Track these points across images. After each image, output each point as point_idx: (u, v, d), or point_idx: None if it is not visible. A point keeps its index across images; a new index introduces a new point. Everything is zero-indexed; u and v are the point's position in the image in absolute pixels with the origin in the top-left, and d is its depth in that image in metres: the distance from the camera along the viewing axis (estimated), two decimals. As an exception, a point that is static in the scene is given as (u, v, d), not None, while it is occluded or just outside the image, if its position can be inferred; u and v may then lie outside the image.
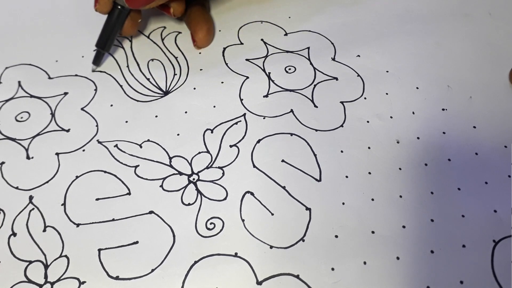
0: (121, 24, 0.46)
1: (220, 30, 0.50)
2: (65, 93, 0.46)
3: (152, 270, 0.34)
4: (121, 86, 0.46)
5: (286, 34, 0.50)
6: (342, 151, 0.40)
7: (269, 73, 0.46)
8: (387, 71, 0.45)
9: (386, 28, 0.49)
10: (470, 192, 0.37)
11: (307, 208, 0.37)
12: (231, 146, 0.41)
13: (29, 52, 0.49)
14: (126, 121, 0.43)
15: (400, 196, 0.37)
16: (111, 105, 0.45)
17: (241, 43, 0.49)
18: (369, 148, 0.40)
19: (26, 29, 0.52)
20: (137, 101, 0.45)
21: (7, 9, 0.54)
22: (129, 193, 0.39)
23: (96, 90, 0.46)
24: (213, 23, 0.51)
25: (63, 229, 0.37)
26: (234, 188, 0.38)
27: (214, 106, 0.44)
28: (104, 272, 0.34)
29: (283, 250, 0.35)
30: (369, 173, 0.39)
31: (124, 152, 0.41)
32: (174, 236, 0.36)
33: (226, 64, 0.47)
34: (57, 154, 0.41)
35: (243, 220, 0.36)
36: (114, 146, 0.42)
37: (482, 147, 0.40)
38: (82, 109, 0.44)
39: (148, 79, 0.46)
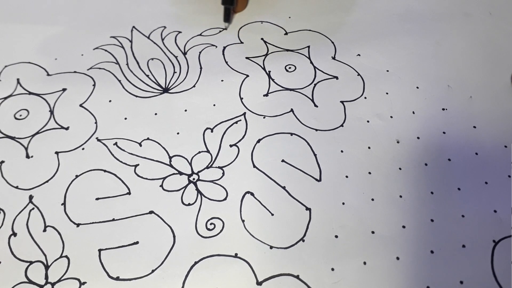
0: None
1: (220, 30, 0.50)
2: (64, 89, 0.45)
3: (153, 271, 0.34)
4: (119, 81, 0.46)
5: (286, 34, 0.49)
6: (342, 151, 0.40)
7: (269, 71, 0.46)
8: (387, 71, 0.45)
9: (386, 28, 0.49)
10: (470, 192, 0.38)
11: (307, 208, 0.37)
12: (231, 145, 0.41)
13: (28, 51, 0.49)
14: (125, 118, 0.43)
15: (400, 196, 0.37)
16: (110, 101, 0.45)
17: (241, 42, 0.49)
18: (369, 148, 0.40)
19: (26, 28, 0.52)
20: (136, 96, 0.45)
21: (7, 8, 0.54)
22: (129, 193, 0.38)
23: (94, 85, 0.46)
24: None
25: (63, 229, 0.37)
26: (234, 188, 0.38)
27: (214, 105, 0.44)
28: (104, 273, 0.34)
29: (283, 250, 0.35)
30: (369, 173, 0.39)
31: (123, 150, 0.41)
32: (174, 236, 0.36)
33: (226, 62, 0.47)
34: (57, 153, 0.41)
35: (243, 221, 0.36)
36: (114, 144, 0.41)
37: (482, 147, 0.40)
38: (80, 105, 0.44)
39: (147, 76, 0.46)
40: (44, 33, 0.51)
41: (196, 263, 0.35)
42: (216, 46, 0.49)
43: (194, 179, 0.39)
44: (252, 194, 0.38)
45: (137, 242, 0.36)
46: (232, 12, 0.51)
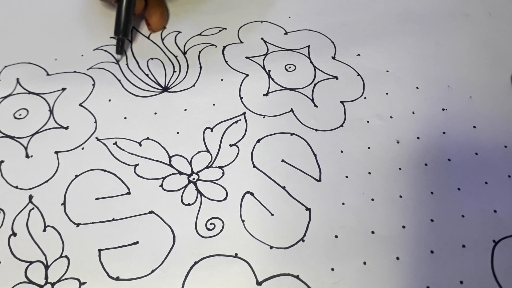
0: (133, 4, 0.47)
1: (220, 30, 0.50)
2: (63, 89, 0.45)
3: (153, 271, 0.34)
4: (119, 80, 0.46)
5: (286, 33, 0.49)
6: (342, 151, 0.40)
7: (269, 71, 0.46)
8: (387, 71, 0.45)
9: (386, 28, 0.49)
10: (470, 192, 0.38)
11: (307, 208, 0.37)
12: (231, 145, 0.41)
13: (28, 51, 0.49)
14: (125, 118, 0.43)
15: (400, 196, 0.37)
16: (109, 100, 0.44)
17: (241, 42, 0.49)
18: (369, 148, 0.40)
19: (26, 29, 0.52)
20: (136, 95, 0.45)
21: (7, 9, 0.54)
22: (129, 193, 0.38)
23: (94, 85, 0.46)
24: (166, 8, 0.52)
25: (63, 229, 0.37)
26: (234, 188, 0.38)
27: (214, 104, 0.44)
28: (104, 273, 0.34)
29: (283, 250, 0.35)
30: (369, 173, 0.39)
31: (123, 150, 0.41)
32: (174, 236, 0.36)
33: (226, 62, 0.47)
34: (56, 152, 0.41)
35: (243, 221, 0.36)
36: (113, 144, 0.41)
37: (482, 147, 0.40)
38: (80, 104, 0.44)
39: (147, 75, 0.46)
40: (44, 34, 0.51)
41: (196, 263, 0.35)
42: (216, 46, 0.49)
43: (194, 179, 0.39)
44: (252, 194, 0.38)
45: (137, 242, 0.36)
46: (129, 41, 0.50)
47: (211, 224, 0.36)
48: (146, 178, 0.39)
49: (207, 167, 0.40)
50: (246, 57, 0.47)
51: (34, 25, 0.52)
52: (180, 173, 0.39)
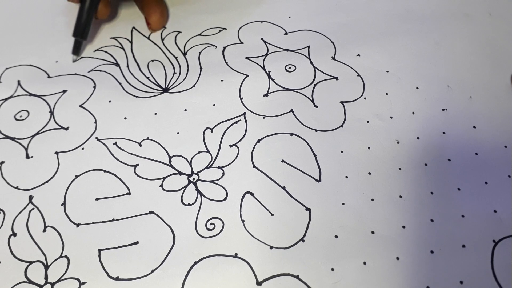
0: (94, 8, 0.47)
1: (220, 30, 0.50)
2: (64, 91, 0.45)
3: (152, 271, 0.34)
4: (120, 83, 0.46)
5: (286, 34, 0.49)
6: (342, 151, 0.40)
7: (269, 71, 0.46)
8: (387, 71, 0.45)
9: (386, 28, 0.49)
10: (470, 192, 0.38)
11: (307, 209, 0.37)
12: (231, 145, 0.41)
13: (29, 53, 0.49)
14: (125, 118, 0.43)
15: (400, 196, 0.37)
16: (110, 101, 0.44)
17: (241, 43, 0.49)
18: (369, 148, 0.40)
19: (26, 31, 0.52)
20: (136, 96, 0.45)
21: (7, 10, 0.54)
22: (129, 193, 0.38)
23: (94, 87, 0.46)
24: (166, 5, 0.52)
25: (63, 229, 0.37)
26: (234, 188, 0.38)
27: (214, 105, 0.44)
28: (104, 273, 0.34)
29: (283, 250, 0.35)
30: (369, 173, 0.39)
31: (123, 150, 0.41)
32: (174, 236, 0.36)
33: (226, 62, 0.47)
34: (57, 153, 0.41)
35: (243, 221, 0.36)
36: (113, 144, 0.41)
37: (482, 147, 0.40)
38: (80, 106, 0.44)
39: (147, 78, 0.46)
40: (44, 35, 0.51)
41: (196, 263, 0.35)
42: (216, 46, 0.49)
43: (194, 179, 0.39)
44: (252, 194, 0.38)
45: (137, 242, 0.36)
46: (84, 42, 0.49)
47: (211, 224, 0.36)
48: (146, 178, 0.39)
49: (207, 167, 0.40)
50: (246, 58, 0.47)
51: (35, 27, 0.52)
52: (180, 173, 0.39)
